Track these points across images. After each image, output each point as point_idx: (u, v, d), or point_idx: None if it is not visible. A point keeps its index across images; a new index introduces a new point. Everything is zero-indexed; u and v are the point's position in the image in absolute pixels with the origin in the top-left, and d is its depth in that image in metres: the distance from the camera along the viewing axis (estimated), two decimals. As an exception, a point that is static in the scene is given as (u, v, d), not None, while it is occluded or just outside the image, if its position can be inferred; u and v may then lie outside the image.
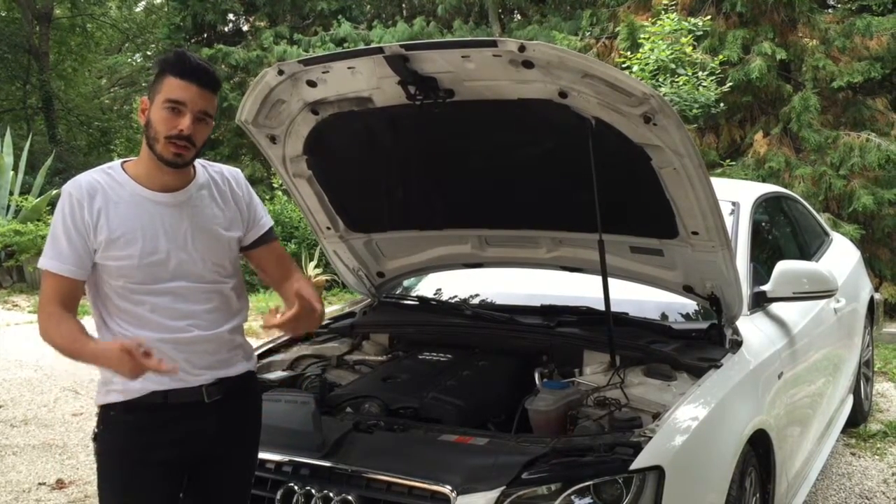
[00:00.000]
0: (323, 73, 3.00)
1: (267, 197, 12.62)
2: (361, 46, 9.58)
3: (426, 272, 4.16)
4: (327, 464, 2.67)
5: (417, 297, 4.18)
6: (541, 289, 3.91)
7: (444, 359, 3.40)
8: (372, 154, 3.44)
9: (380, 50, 2.81)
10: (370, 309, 4.11)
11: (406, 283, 4.38)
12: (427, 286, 4.36)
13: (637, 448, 2.52)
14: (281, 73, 3.03)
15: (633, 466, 2.47)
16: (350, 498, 2.57)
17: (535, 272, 3.85)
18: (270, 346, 3.73)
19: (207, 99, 2.32)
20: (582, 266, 3.59)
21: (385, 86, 2.95)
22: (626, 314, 3.47)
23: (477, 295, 4.13)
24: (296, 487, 2.66)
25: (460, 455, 2.63)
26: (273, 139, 3.38)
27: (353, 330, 3.86)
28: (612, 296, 3.15)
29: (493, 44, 2.69)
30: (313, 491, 2.63)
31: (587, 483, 2.45)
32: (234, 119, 3.45)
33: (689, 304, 3.60)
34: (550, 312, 3.63)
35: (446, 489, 2.47)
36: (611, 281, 3.21)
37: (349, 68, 2.94)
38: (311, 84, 3.06)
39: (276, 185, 12.54)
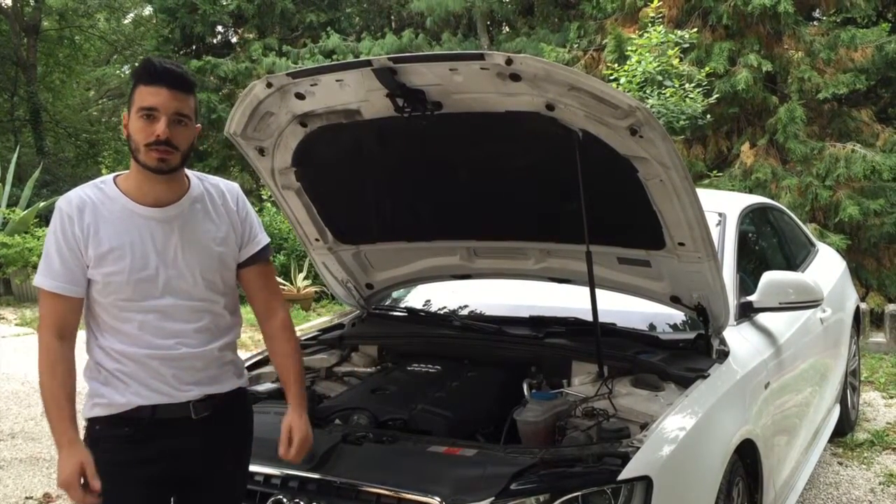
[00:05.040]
0: (311, 85, 3.01)
1: (256, 209, 12.59)
2: (350, 58, 9.61)
3: (415, 283, 4.17)
4: (316, 476, 2.67)
5: (406, 308, 4.19)
6: (529, 300, 3.92)
7: (432, 370, 3.41)
8: (361, 166, 3.45)
9: (368, 63, 2.82)
10: (359, 320, 4.12)
11: (395, 294, 4.39)
12: (416, 297, 4.37)
13: (625, 458, 2.54)
14: (269, 85, 3.04)
15: (622, 477, 2.49)
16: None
17: (523, 283, 3.87)
18: (258, 358, 3.73)
19: (180, 100, 2.30)
20: (570, 277, 3.61)
21: (373, 98, 2.96)
22: (614, 325, 3.49)
23: (466, 306, 4.14)
24: (284, 500, 2.66)
25: (449, 466, 2.63)
26: (261, 151, 3.38)
27: (341, 341, 3.86)
28: (599, 306, 3.17)
29: (481, 57, 2.70)
30: (302, 503, 2.62)
31: (575, 494, 2.46)
32: (223, 131, 3.45)
33: (677, 315, 3.62)
34: (539, 323, 3.64)
35: (435, 500, 2.47)
36: (599, 292, 3.22)
37: (337, 81, 2.95)
38: (300, 96, 3.07)
39: (265, 197, 12.54)
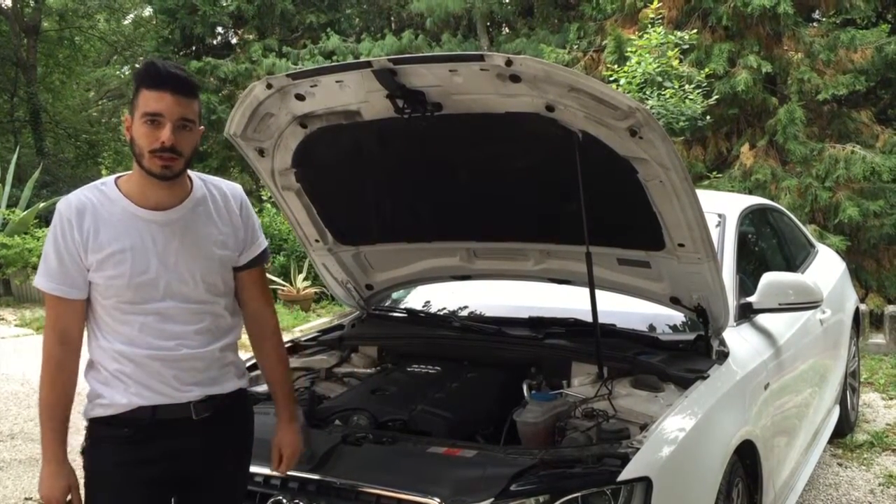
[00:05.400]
0: (311, 86, 3.01)
1: (256, 209, 12.57)
2: (350, 59, 9.61)
3: (415, 284, 4.17)
4: (316, 477, 2.67)
5: (406, 309, 4.19)
6: (528, 301, 3.92)
7: (432, 371, 3.41)
8: (361, 167, 3.45)
9: (368, 64, 2.82)
10: (359, 321, 4.11)
11: (395, 295, 4.39)
12: (416, 298, 4.37)
13: (625, 459, 2.54)
14: (269, 86, 3.04)
15: (622, 478, 2.49)
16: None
17: (522, 284, 3.87)
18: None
19: (184, 105, 2.27)
20: (569, 278, 3.61)
21: (373, 99, 2.96)
22: (614, 326, 3.49)
23: (465, 307, 4.14)
24: (284, 501, 2.66)
25: (449, 467, 2.63)
26: (261, 152, 3.38)
27: (341, 342, 3.86)
28: (599, 307, 3.17)
29: (481, 58, 2.70)
30: None
31: (575, 494, 2.46)
32: (223, 132, 3.45)
33: (676, 316, 3.62)
34: (538, 324, 3.64)
35: (435, 501, 2.47)
36: (598, 293, 3.22)
37: (337, 82, 2.95)
38: (300, 98, 3.06)
39: (265, 198, 12.54)
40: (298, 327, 9.02)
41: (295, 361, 3.73)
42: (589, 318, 3.18)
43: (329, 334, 3.97)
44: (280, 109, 3.16)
